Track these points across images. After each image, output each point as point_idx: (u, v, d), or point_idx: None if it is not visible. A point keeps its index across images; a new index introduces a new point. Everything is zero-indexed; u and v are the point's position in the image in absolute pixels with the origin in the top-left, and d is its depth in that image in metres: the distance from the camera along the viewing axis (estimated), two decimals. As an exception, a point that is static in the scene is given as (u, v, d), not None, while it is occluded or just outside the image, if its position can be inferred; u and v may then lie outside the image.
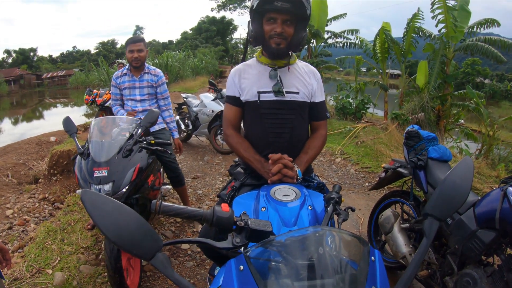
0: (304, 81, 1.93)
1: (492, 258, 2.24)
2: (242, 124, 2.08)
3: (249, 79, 1.93)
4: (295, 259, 0.95)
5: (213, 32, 60.31)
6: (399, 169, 2.90)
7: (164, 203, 1.07)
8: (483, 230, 2.11)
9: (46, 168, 6.01)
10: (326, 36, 13.58)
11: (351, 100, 11.17)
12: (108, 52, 71.01)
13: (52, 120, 20.65)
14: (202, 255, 3.33)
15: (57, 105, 32.53)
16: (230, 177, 2.11)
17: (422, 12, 9.82)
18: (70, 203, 4.16)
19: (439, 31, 9.19)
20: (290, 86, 1.88)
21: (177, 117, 7.60)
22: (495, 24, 9.55)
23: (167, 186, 3.38)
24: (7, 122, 23.22)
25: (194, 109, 7.19)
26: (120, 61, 12.71)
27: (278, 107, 1.88)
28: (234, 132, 1.98)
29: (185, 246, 3.48)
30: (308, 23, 1.86)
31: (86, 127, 9.25)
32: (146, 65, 3.66)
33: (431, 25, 9.52)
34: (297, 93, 1.89)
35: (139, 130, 2.84)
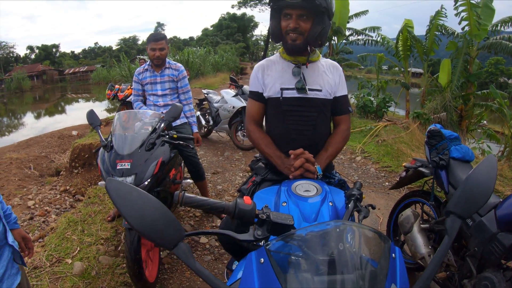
0: (328, 77, 1.91)
1: None
2: (264, 120, 2.08)
3: (272, 75, 1.92)
4: (315, 254, 0.94)
5: (233, 28, 60.44)
6: (420, 169, 2.85)
7: (186, 194, 1.08)
8: (503, 233, 2.06)
9: (68, 161, 6.13)
10: (347, 33, 13.47)
11: (372, 98, 11.03)
12: (129, 48, 71.98)
13: (74, 114, 21.06)
14: (220, 250, 3.36)
15: (79, 100, 33.17)
16: (250, 173, 2.11)
17: (445, 10, 9.64)
18: (91, 195, 4.23)
19: (463, 29, 9.03)
20: (313, 83, 1.87)
21: (198, 113, 7.63)
22: (520, 22, 9.29)
23: (188, 180, 3.40)
24: (30, 116, 23.77)
25: (215, 105, 7.21)
26: (141, 57, 12.86)
27: (300, 104, 1.87)
28: (256, 127, 1.99)
29: (203, 240, 3.51)
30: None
31: (108, 122, 9.39)
32: (167, 60, 3.69)
33: (454, 23, 9.33)
34: (320, 90, 1.88)
35: (162, 124, 2.87)
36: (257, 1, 52.48)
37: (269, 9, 1.86)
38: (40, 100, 35.88)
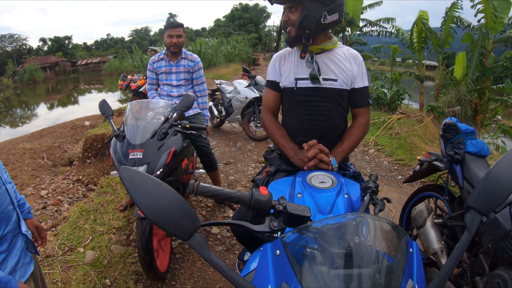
0: (344, 67, 1.85)
1: None
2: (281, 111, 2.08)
3: (288, 65, 1.91)
4: (331, 246, 0.93)
5: (246, 19, 60.22)
6: (435, 163, 2.80)
7: (201, 184, 1.07)
8: None
9: (81, 151, 6.20)
10: (361, 24, 13.26)
11: (386, 91, 10.90)
12: (141, 40, 72.29)
13: (86, 105, 21.27)
14: (231, 240, 3.37)
15: (91, 90, 33.47)
16: (263, 163, 2.09)
17: (461, 2, 9.40)
18: (104, 184, 4.26)
19: (478, 21, 8.82)
20: (328, 73, 1.83)
21: (211, 103, 7.64)
22: (538, 15, 9.06)
23: (201, 170, 3.40)
24: (43, 107, 24.07)
25: (228, 95, 7.20)
26: (153, 48, 12.85)
27: (314, 94, 1.85)
28: (272, 117, 1.99)
29: (215, 230, 3.52)
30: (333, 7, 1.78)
31: (120, 112, 9.47)
32: (183, 50, 3.67)
33: (470, 15, 9.13)
34: (335, 80, 1.83)
35: (175, 114, 2.86)
36: (269, -8, 52.11)
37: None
38: (52, 91, 36.26)
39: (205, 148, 3.59)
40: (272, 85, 1.97)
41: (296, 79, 1.85)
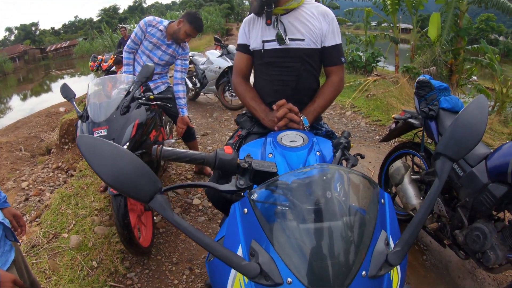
0: (311, 25, 1.79)
1: (503, 213, 2.22)
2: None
3: (256, 29, 1.88)
4: (302, 202, 0.92)
5: (217, -11, 58.76)
6: (410, 120, 2.84)
7: (164, 147, 1.05)
8: (494, 184, 2.07)
9: (58, 138, 6.10)
10: (334, -13, 13.14)
11: (361, 54, 10.98)
12: (110, 18, 70.09)
13: (60, 91, 20.67)
14: (213, 210, 3.40)
15: (64, 76, 32.50)
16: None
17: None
18: (82, 168, 4.22)
19: (453, -19, 8.78)
20: (294, 33, 1.79)
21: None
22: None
23: (171, 140, 3.33)
24: (16, 99, 23.34)
25: (201, 66, 7.11)
26: (123, 25, 12.46)
27: (282, 55, 1.82)
28: (243, 80, 1.97)
29: (196, 201, 3.54)
30: None
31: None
32: None
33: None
34: (302, 39, 1.79)
35: (135, 86, 2.80)
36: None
37: None
38: (24, 81, 35.13)
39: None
40: (243, 48, 1.96)
41: (263, 42, 1.83)
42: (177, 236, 3.04)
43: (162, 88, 3.62)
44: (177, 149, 1.06)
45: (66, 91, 2.82)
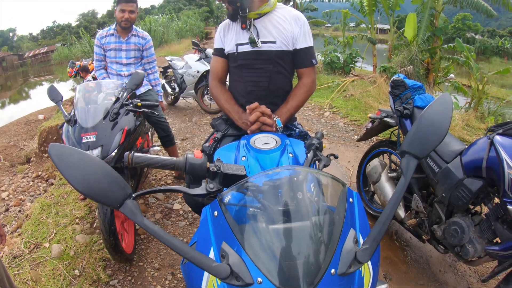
0: (282, 29, 1.86)
1: (480, 207, 2.27)
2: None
3: (231, 33, 1.94)
4: (272, 204, 0.95)
5: (196, -8, 58.56)
6: (386, 119, 2.90)
7: (136, 154, 1.07)
8: (470, 179, 2.12)
9: (37, 146, 5.99)
10: (312, -11, 13.28)
11: (339, 55, 11.09)
12: (89, 23, 68.81)
13: (38, 98, 20.28)
14: (194, 214, 3.40)
15: (43, 82, 31.81)
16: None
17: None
18: (62, 177, 4.16)
19: (429, -18, 8.94)
20: (266, 36, 1.85)
21: (163, 81, 7.49)
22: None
23: (156, 148, 3.36)
24: (-7, 108, 22.84)
25: (180, 71, 7.08)
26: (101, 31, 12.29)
27: (254, 58, 1.87)
28: (218, 83, 2.02)
29: (176, 206, 3.55)
30: None
31: (72, 101, 9.13)
32: (134, 27, 3.52)
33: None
34: (274, 42, 1.85)
35: (125, 93, 2.81)
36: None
37: None
38: (2, 89, 34.40)
39: (162, 123, 3.54)
40: (218, 52, 2.01)
41: (237, 45, 1.89)
42: (158, 242, 3.03)
43: (142, 90, 3.61)
44: (148, 155, 1.08)
45: (53, 94, 2.80)
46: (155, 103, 3.07)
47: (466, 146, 2.30)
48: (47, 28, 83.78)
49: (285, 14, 1.89)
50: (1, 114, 18.61)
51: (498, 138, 2.02)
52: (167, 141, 3.75)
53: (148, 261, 2.83)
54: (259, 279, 0.82)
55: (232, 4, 1.80)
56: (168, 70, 7.79)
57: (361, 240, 0.97)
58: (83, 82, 9.59)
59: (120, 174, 0.91)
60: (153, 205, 3.56)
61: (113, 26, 3.51)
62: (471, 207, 2.28)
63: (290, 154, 1.41)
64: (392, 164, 3.03)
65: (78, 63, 10.01)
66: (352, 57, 10.65)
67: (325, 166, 1.30)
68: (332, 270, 0.85)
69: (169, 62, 7.58)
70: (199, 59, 6.93)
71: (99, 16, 74.00)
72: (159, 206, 3.55)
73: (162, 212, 3.46)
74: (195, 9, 51.42)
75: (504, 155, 1.92)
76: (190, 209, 3.47)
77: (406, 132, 2.66)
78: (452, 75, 10.32)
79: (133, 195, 0.90)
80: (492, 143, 2.02)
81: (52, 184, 4.75)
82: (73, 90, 16.91)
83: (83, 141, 2.48)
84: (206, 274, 0.92)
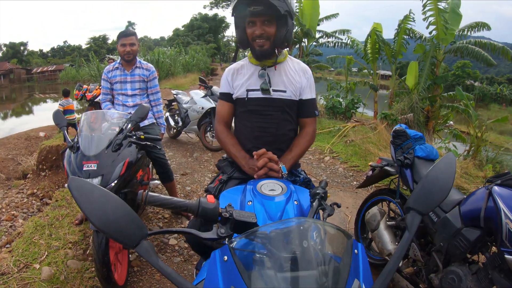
0: (293, 79, 1.96)
1: (477, 256, 2.28)
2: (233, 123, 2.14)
3: (240, 78, 1.99)
4: (279, 251, 0.96)
5: (205, 29, 59.84)
6: (386, 168, 2.93)
7: (150, 193, 1.09)
8: (468, 228, 2.14)
9: (35, 163, 5.99)
10: (317, 35, 13.71)
11: (341, 100, 11.28)
12: (99, 48, 70.26)
13: (41, 115, 20.44)
14: (189, 251, 3.35)
15: (47, 100, 32.17)
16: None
17: (414, 14, 9.87)
18: (59, 198, 4.13)
19: (430, 33, 9.24)
20: (277, 85, 1.93)
21: (167, 114, 7.58)
22: (486, 27, 9.64)
23: (156, 181, 3.38)
24: (-4, 117, 22.96)
25: (184, 105, 7.16)
26: (110, 56, 12.60)
27: (264, 104, 1.93)
28: (225, 128, 2.05)
29: (172, 241, 3.50)
30: (297, 21, 1.87)
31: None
32: (138, 59, 3.68)
33: (422, 27, 9.67)
34: (284, 91, 1.93)
35: (129, 125, 2.84)
36: (229, 2, 52.29)
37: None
38: (6, 100, 34.68)
39: (160, 159, 3.57)
40: (225, 96, 2.05)
41: (248, 90, 1.94)
42: (152, 276, 2.98)
43: (146, 123, 3.67)
44: (162, 195, 1.10)
45: (58, 118, 2.84)
46: (158, 137, 3.13)
47: (465, 196, 2.33)
48: (58, 47, 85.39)
49: (295, 66, 2.01)
50: (2, 125, 18.68)
51: (496, 188, 2.06)
52: (166, 178, 3.78)
53: (140, 294, 2.78)
54: None
55: (279, 44, 1.85)
56: (173, 104, 7.89)
57: None
58: (87, 105, 9.72)
59: None
60: (149, 239, 3.51)
61: (118, 61, 3.68)
62: (469, 256, 2.28)
63: (295, 202, 1.43)
64: (391, 212, 3.04)
65: (85, 86, 10.16)
66: (354, 102, 10.82)
67: (329, 215, 1.32)
68: None
69: (175, 95, 7.68)
70: (205, 96, 7.01)
71: (109, 41, 75.50)
72: (155, 240, 3.51)
73: (157, 246, 3.42)
74: (203, 44, 52.42)
75: (502, 205, 1.95)
76: (186, 245, 3.44)
77: (406, 182, 2.69)
78: (451, 122, 10.47)
79: (148, 232, 0.92)
80: (490, 194, 2.06)
81: (46, 203, 4.72)
82: (76, 111, 17.12)
83: (84, 168, 2.49)
84: None
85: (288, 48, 2.04)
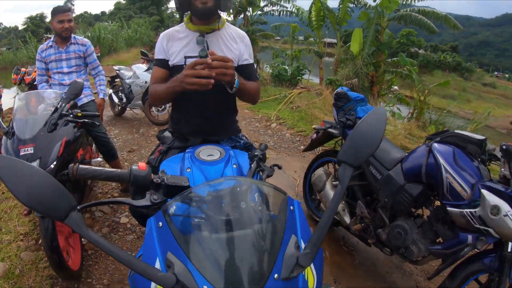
0: (231, 46, 1.92)
1: (422, 210, 2.44)
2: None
3: (177, 44, 1.91)
4: (215, 213, 0.98)
5: (147, 1, 57.28)
6: (329, 130, 3.01)
7: (81, 166, 1.07)
8: (410, 184, 2.29)
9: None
10: (262, 4, 13.56)
11: (286, 67, 11.38)
12: (36, 27, 65.29)
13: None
14: (142, 228, 3.33)
15: (-17, 89, 29.97)
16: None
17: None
18: (5, 190, 3.95)
19: (374, 0, 9.48)
20: (216, 52, 1.83)
21: (110, 91, 7.28)
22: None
23: (98, 159, 3.29)
24: None
25: (127, 81, 6.91)
26: (48, 35, 11.85)
27: None
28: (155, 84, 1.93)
29: (124, 220, 3.46)
30: None
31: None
32: (73, 35, 3.52)
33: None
34: None
35: (64, 103, 2.75)
36: (171, -28, 50.13)
37: None
38: None
39: (101, 138, 3.48)
40: (161, 62, 1.95)
41: (186, 57, 1.88)
42: (107, 257, 2.95)
43: (85, 100, 3.56)
44: (93, 167, 1.09)
45: None
46: (96, 113, 3.07)
47: (407, 154, 2.46)
48: (-9, 31, 78.95)
49: (233, 33, 1.97)
50: None
51: (436, 145, 2.19)
52: (109, 156, 3.69)
53: (96, 277, 2.75)
54: (205, 287, 0.85)
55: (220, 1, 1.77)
56: (116, 80, 7.54)
57: (302, 246, 1.02)
58: (27, 89, 9.17)
59: None
60: (100, 219, 3.46)
61: (52, 39, 3.51)
62: (413, 210, 2.43)
63: (234, 165, 1.46)
64: (336, 173, 3.14)
65: (23, 69, 9.56)
66: (300, 69, 10.97)
67: (268, 176, 1.36)
68: (275, 275, 0.88)
69: (117, 71, 7.37)
70: (148, 69, 6.82)
71: (47, 20, 70.61)
72: (106, 220, 3.46)
73: (109, 226, 3.37)
74: (146, 17, 50.23)
75: (441, 161, 2.09)
76: (137, 222, 3.41)
77: None
78: (395, 87, 10.88)
79: (78, 207, 0.90)
80: (430, 151, 2.19)
81: (-7, 199, 4.49)
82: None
83: (21, 153, 2.38)
84: (153, 285, 0.93)
85: (228, 15, 1.98)
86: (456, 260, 2.09)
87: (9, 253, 2.84)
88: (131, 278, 1.04)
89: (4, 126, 2.57)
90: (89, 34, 24.99)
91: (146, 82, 6.52)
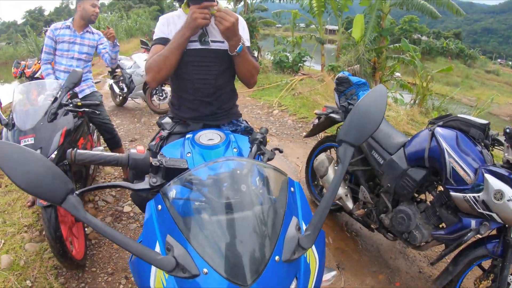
0: None
1: (425, 195, 2.42)
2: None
3: (176, 29, 1.85)
4: (215, 196, 0.97)
5: (147, -9, 57.12)
6: (331, 115, 2.98)
7: (78, 151, 1.07)
8: (413, 169, 2.27)
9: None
10: (262, -10, 13.43)
11: (288, 54, 11.30)
12: (35, 21, 65.36)
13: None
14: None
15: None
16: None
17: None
18: (8, 183, 3.96)
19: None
20: (215, 36, 1.87)
21: (111, 81, 7.29)
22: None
23: (100, 148, 3.29)
24: None
25: (128, 71, 6.90)
26: (47, 28, 11.78)
27: (203, 55, 1.87)
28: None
29: (127, 208, 3.48)
30: None
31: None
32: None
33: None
34: (223, 42, 1.86)
35: (63, 93, 2.72)
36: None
37: None
38: None
39: (105, 125, 3.47)
40: (160, 40, 1.87)
41: None
42: (110, 246, 2.97)
43: (87, 91, 3.53)
44: (91, 152, 1.08)
45: None
46: (96, 102, 3.03)
47: (409, 139, 2.43)
48: (-10, 27, 78.81)
49: None
50: None
51: (438, 129, 2.17)
52: (113, 143, 3.67)
53: (100, 266, 2.76)
54: (205, 270, 0.84)
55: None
56: (116, 70, 7.51)
57: (304, 227, 1.01)
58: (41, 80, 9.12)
59: None
60: (103, 209, 3.47)
61: (70, 20, 3.45)
62: (416, 195, 2.42)
63: (234, 149, 1.45)
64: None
65: (23, 63, 9.53)
66: (301, 56, 10.88)
67: (269, 159, 1.34)
68: (276, 257, 0.88)
69: (118, 61, 7.36)
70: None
71: (46, 13, 70.49)
72: (109, 209, 3.47)
73: (112, 215, 3.38)
74: (145, 7, 50.01)
75: (444, 145, 2.07)
76: (140, 210, 3.42)
77: None
78: (398, 74, 10.79)
79: (77, 192, 0.90)
80: (433, 135, 2.17)
81: (-3, 192, 4.51)
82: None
83: (21, 144, 2.37)
84: (153, 268, 0.93)
85: (228, 2, 1.95)
86: (459, 245, 2.08)
87: (14, 245, 2.84)
88: (131, 262, 1.03)
89: (4, 118, 2.56)
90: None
91: None
